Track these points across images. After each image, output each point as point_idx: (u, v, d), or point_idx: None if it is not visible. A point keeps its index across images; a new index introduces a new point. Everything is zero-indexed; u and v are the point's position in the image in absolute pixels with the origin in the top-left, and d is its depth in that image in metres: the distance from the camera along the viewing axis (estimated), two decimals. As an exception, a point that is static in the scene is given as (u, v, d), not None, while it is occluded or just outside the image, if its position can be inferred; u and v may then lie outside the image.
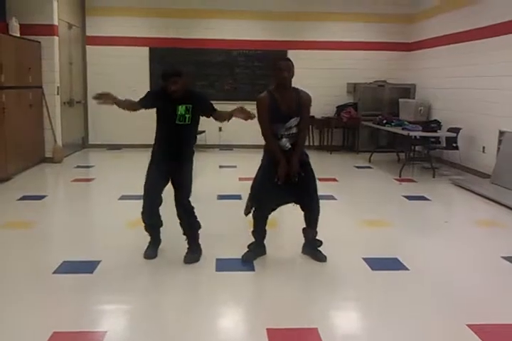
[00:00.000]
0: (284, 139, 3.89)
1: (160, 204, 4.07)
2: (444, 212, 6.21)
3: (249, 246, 4.16)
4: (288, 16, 10.31)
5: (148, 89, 4.03)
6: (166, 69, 3.93)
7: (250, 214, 4.09)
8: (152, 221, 4.12)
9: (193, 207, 4.05)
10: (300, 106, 3.86)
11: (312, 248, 4.17)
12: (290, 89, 3.89)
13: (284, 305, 3.39)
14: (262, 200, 3.99)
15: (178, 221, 4.05)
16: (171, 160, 3.92)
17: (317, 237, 4.16)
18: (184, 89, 3.87)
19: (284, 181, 3.84)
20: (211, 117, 4.09)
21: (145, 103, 3.95)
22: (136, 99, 3.98)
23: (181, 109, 3.87)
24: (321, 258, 4.09)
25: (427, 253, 4.40)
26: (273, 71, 3.87)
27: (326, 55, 10.43)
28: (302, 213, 4.10)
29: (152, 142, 4.05)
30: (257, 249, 4.15)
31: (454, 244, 4.72)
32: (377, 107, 10.27)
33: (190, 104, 3.88)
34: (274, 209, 4.09)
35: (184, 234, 4.09)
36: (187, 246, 4.09)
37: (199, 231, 4.12)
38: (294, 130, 3.88)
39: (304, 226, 4.16)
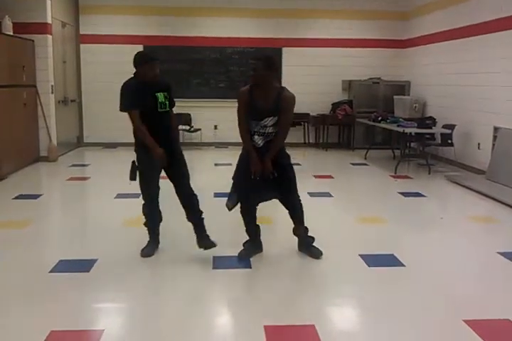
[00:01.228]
0: (256, 136, 3.86)
1: (158, 191, 4.06)
2: (440, 208, 6.23)
3: (244, 244, 4.16)
4: (282, 14, 10.31)
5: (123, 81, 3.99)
6: (145, 53, 3.97)
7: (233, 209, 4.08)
8: (152, 211, 4.11)
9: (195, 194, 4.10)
10: (278, 107, 3.78)
11: (306, 245, 4.18)
12: (269, 88, 3.81)
13: (281, 302, 3.40)
14: (241, 195, 3.99)
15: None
16: (163, 148, 3.87)
17: (313, 235, 4.17)
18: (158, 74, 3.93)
19: (259, 177, 3.83)
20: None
21: (134, 106, 3.86)
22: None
23: (161, 96, 3.90)
24: (316, 254, 4.09)
25: (423, 250, 4.41)
26: None
27: (320, 53, 10.43)
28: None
29: None
30: (252, 246, 4.15)
31: (449, 240, 4.73)
32: (372, 104, 10.29)
33: (165, 91, 3.94)
34: (256, 205, 4.08)
35: (194, 223, 4.11)
36: (195, 235, 4.11)
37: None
38: (270, 129, 3.83)
39: (293, 227, 4.16)
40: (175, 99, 4.11)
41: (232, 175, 4.08)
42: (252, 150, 3.85)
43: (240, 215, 4.10)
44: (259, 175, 3.83)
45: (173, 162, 3.98)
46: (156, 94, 3.88)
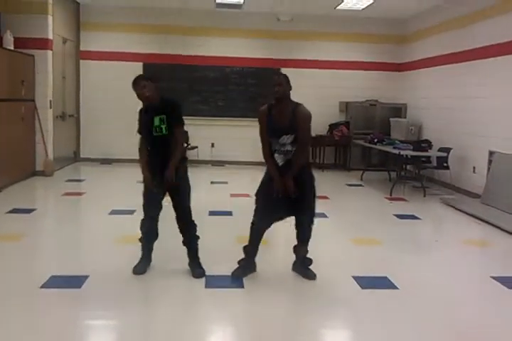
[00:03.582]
0: (276, 154, 3.89)
1: (159, 211, 4.06)
2: (434, 231, 6.23)
3: (239, 262, 4.13)
4: (281, 35, 10.43)
5: (141, 104, 4.03)
6: (135, 77, 3.98)
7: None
8: (150, 228, 4.08)
9: (191, 215, 4.07)
10: (294, 123, 3.82)
11: (302, 266, 4.15)
12: (286, 104, 3.87)
13: (272, 324, 3.37)
14: (259, 213, 3.98)
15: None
16: (162, 172, 3.88)
17: (308, 255, 4.15)
18: (159, 97, 3.92)
19: (281, 195, 3.82)
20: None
21: (140, 130, 4.03)
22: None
23: (156, 120, 3.88)
24: (310, 276, 4.07)
25: (417, 272, 4.40)
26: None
27: (318, 74, 10.52)
28: (293, 230, 4.09)
29: None
30: (247, 265, 4.12)
31: (443, 263, 4.72)
32: (368, 126, 10.36)
33: (163, 115, 3.87)
34: (269, 226, 4.04)
35: (187, 248, 4.11)
36: (188, 260, 4.11)
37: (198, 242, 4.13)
38: (289, 147, 3.85)
39: (295, 244, 4.15)
40: None
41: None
42: (274, 169, 3.89)
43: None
44: (281, 194, 3.82)
45: (172, 188, 3.96)
46: (154, 118, 3.87)
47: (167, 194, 4.03)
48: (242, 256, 4.14)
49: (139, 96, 3.88)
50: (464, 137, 8.13)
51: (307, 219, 4.04)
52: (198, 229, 4.10)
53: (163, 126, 3.88)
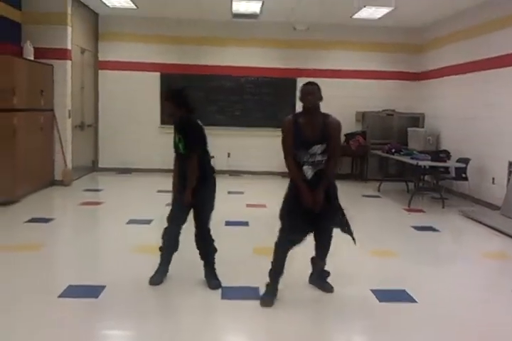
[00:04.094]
0: (305, 167, 3.71)
1: (183, 223, 4.07)
2: (453, 244, 6.15)
3: (267, 285, 3.87)
4: (297, 44, 10.44)
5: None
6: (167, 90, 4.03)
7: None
8: (171, 237, 4.09)
9: (209, 234, 4.05)
10: (326, 133, 3.69)
11: (320, 278, 4.10)
12: (316, 114, 3.75)
13: (290, 337, 3.34)
14: (287, 232, 3.77)
15: (188, 248, 4.03)
16: (183, 188, 3.92)
17: (325, 268, 4.11)
18: (179, 114, 3.93)
19: (309, 211, 3.68)
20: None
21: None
22: None
23: (176, 138, 3.93)
24: (328, 289, 4.02)
25: (436, 285, 4.34)
26: (300, 94, 3.77)
27: (334, 84, 10.47)
28: (309, 241, 4.01)
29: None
30: (273, 291, 3.84)
31: (462, 276, 4.66)
32: (385, 136, 10.29)
33: (180, 134, 3.92)
34: (298, 243, 3.81)
35: (203, 261, 4.11)
36: (203, 270, 4.11)
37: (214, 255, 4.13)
38: (319, 157, 3.69)
39: (313, 255, 4.10)
40: None
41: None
42: (302, 182, 3.69)
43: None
44: (309, 209, 3.67)
45: (194, 205, 3.98)
46: (174, 135, 3.96)
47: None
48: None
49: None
50: (482, 147, 8.04)
51: (331, 233, 3.95)
52: (214, 241, 4.10)
53: (181, 145, 3.91)
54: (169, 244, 4.11)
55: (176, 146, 3.95)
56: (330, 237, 3.97)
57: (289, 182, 3.82)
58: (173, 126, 4.03)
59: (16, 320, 3.39)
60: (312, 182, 3.70)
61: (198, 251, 4.08)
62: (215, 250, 4.09)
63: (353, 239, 3.96)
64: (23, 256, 4.76)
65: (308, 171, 3.71)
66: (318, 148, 3.68)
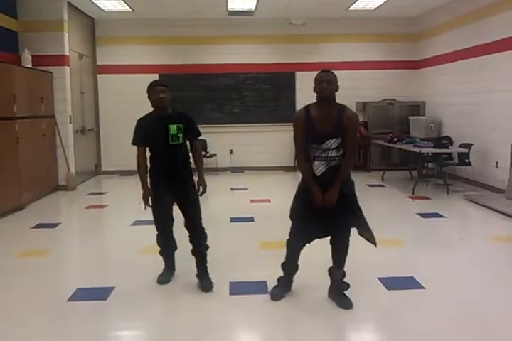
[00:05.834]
0: (316, 162, 3.45)
1: (172, 223, 4.05)
2: (459, 229, 6.14)
3: (278, 280, 3.82)
4: (294, 39, 10.45)
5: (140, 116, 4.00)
6: (152, 81, 3.95)
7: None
8: (166, 242, 4.10)
9: (203, 228, 4.00)
10: (341, 126, 3.38)
11: (338, 291, 3.69)
12: (331, 106, 3.43)
13: (299, 328, 3.36)
14: (296, 230, 3.63)
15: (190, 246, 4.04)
16: (174, 182, 3.89)
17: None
18: (171, 105, 3.88)
19: (317, 210, 3.44)
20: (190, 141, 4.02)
21: (140, 142, 3.92)
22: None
23: (173, 128, 3.83)
24: (346, 304, 3.57)
25: (443, 271, 4.34)
26: (314, 84, 3.44)
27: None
28: (326, 243, 3.77)
29: None
30: (285, 283, 3.81)
31: (470, 261, 4.66)
32: (387, 125, 10.29)
33: (180, 124, 3.85)
34: (308, 242, 3.68)
35: (197, 257, 4.03)
36: (196, 271, 4.04)
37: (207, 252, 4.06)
38: (333, 153, 3.41)
39: (330, 266, 3.76)
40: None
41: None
42: (313, 180, 3.44)
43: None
44: (320, 208, 3.44)
45: (183, 198, 3.94)
46: (169, 126, 3.82)
47: (175, 204, 4.00)
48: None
49: (156, 102, 3.81)
50: (484, 132, 8.02)
51: (346, 241, 3.63)
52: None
53: (180, 135, 3.86)
54: (166, 248, 4.13)
55: (172, 138, 3.82)
56: (346, 241, 3.62)
57: (300, 181, 3.62)
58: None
59: (26, 325, 3.41)
60: (322, 179, 3.45)
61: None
62: (207, 247, 4.03)
63: (371, 241, 3.70)
64: (31, 261, 4.79)
65: (320, 167, 3.45)
66: (333, 143, 3.40)
